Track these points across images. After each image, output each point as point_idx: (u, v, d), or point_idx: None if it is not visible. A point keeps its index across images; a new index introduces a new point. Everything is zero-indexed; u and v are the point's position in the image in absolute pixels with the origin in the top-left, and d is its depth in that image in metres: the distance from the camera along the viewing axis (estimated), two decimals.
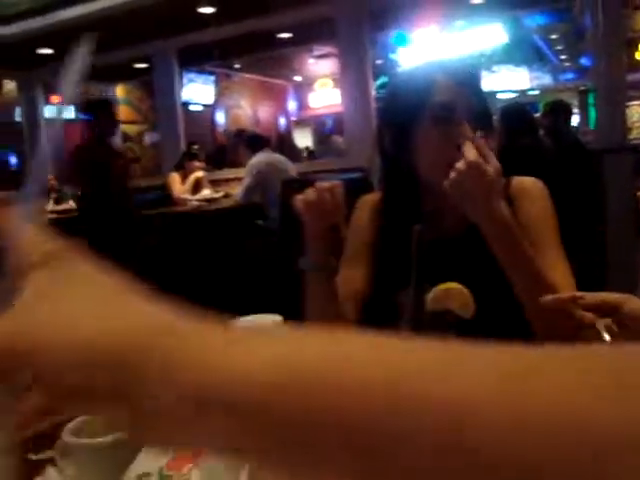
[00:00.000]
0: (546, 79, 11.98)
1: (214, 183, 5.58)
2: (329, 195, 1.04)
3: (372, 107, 5.33)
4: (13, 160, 8.79)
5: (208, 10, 5.44)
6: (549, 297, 0.87)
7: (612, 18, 4.30)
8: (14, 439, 0.31)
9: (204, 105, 10.24)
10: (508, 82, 11.39)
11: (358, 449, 0.23)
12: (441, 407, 0.22)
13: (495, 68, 11.05)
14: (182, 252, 3.77)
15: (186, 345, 0.26)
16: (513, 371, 0.23)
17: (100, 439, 0.70)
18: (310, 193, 1.05)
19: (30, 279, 0.30)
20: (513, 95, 11.41)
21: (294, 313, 0.98)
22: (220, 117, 11.09)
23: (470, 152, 1.00)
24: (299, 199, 1.07)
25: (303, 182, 4.08)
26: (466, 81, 1.16)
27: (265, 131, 8.18)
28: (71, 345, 0.27)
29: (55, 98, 7.44)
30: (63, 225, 4.77)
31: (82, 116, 10.18)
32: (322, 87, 12.14)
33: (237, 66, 10.51)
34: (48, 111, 7.72)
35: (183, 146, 6.23)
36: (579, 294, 0.88)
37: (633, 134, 6.54)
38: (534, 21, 9.69)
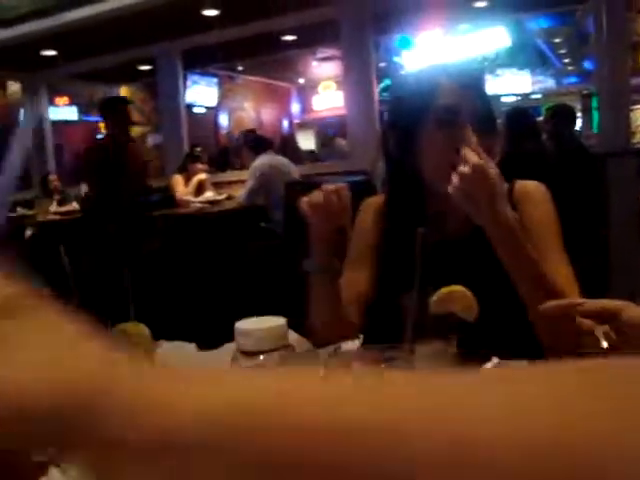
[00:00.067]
0: (549, 83, 11.97)
1: (217, 185, 5.58)
2: (335, 197, 1.04)
3: (375, 110, 5.33)
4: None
5: (212, 12, 5.45)
6: (548, 304, 0.88)
7: (616, 21, 4.30)
8: None
9: (207, 107, 10.25)
10: (511, 86, 11.38)
11: None
12: (379, 435, 0.23)
13: (498, 72, 11.04)
14: (185, 254, 3.77)
15: (147, 389, 0.26)
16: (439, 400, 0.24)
17: None
18: (316, 195, 1.06)
19: None
20: (516, 99, 11.40)
21: (297, 315, 0.98)
22: (223, 119, 11.11)
23: (472, 155, 1.01)
24: (305, 201, 1.07)
25: (306, 184, 4.08)
26: (470, 84, 1.16)
27: (268, 133, 8.18)
28: (25, 393, 0.26)
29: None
30: (66, 226, 4.77)
31: (85, 118, 10.17)
32: (325, 90, 12.15)
33: (241, 68, 10.53)
34: (52, 113, 7.74)
35: (186, 148, 6.24)
36: (578, 301, 0.89)
37: (636, 138, 6.53)
38: (537, 24, 9.68)
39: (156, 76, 6.55)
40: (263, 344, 0.75)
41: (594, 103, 8.46)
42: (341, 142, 7.54)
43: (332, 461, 0.23)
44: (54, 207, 5.67)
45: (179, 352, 1.12)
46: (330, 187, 1.05)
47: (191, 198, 5.10)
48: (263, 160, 4.63)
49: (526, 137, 3.70)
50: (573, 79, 11.95)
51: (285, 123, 12.59)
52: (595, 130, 7.28)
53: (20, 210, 5.85)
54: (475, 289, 0.90)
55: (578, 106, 9.98)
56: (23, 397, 0.26)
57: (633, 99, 5.49)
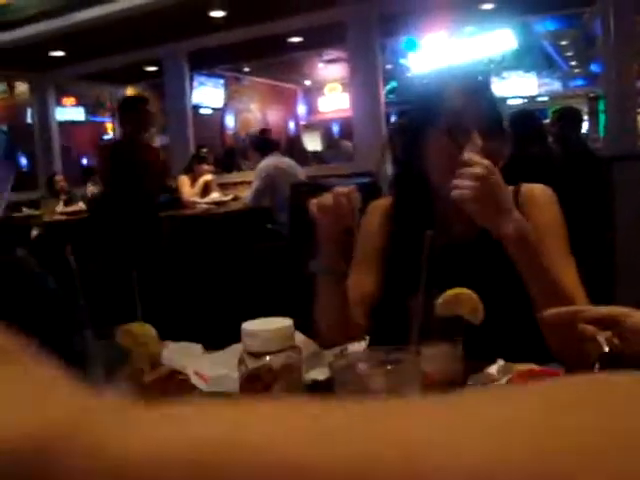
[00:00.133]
0: (555, 85, 11.94)
1: (223, 186, 5.60)
2: (345, 200, 1.04)
3: (381, 112, 5.34)
4: (24, 162, 8.85)
5: (219, 14, 5.46)
6: (550, 311, 0.89)
7: (624, 24, 4.29)
8: None
9: (214, 108, 10.27)
10: (517, 88, 11.36)
11: None
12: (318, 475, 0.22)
13: (505, 74, 11.02)
14: (190, 255, 3.78)
15: (112, 432, 0.26)
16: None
17: None
18: (326, 197, 1.06)
19: None
20: (522, 101, 11.39)
21: (303, 316, 0.98)
22: (230, 120, 11.13)
23: (474, 156, 1.01)
24: (314, 203, 1.07)
25: (312, 186, 4.09)
26: (477, 88, 1.17)
27: (274, 135, 8.19)
28: None
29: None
30: (72, 227, 4.79)
31: (92, 118, 10.19)
32: (331, 91, 12.16)
33: (247, 70, 10.55)
34: (59, 113, 7.77)
35: (192, 149, 6.25)
36: (581, 308, 0.89)
37: None
38: (544, 27, 9.67)
39: (163, 77, 6.56)
40: (270, 345, 0.75)
41: (601, 106, 8.44)
42: (347, 144, 7.55)
43: None
44: (60, 207, 5.69)
45: (185, 352, 1.12)
46: (340, 190, 1.05)
47: (197, 199, 5.11)
48: (269, 161, 4.64)
49: (532, 140, 3.69)
50: (580, 82, 11.92)
51: (291, 124, 12.61)
52: (601, 133, 7.26)
53: (26, 210, 5.87)
54: (481, 292, 0.90)
55: (585, 109, 9.95)
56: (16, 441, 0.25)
57: None
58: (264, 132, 6.70)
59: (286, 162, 4.77)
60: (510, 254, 1.04)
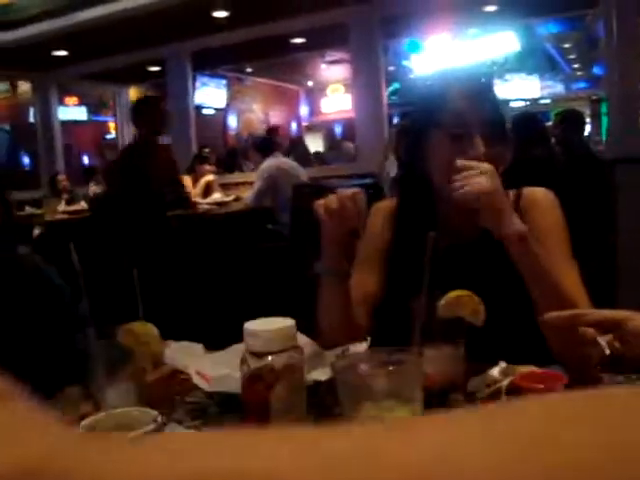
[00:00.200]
0: (558, 88, 11.95)
1: (225, 187, 5.60)
2: (351, 202, 1.04)
3: (384, 113, 5.34)
4: (26, 161, 8.87)
5: (222, 14, 5.47)
6: (551, 314, 0.89)
7: (626, 26, 4.29)
8: None
9: (216, 109, 10.28)
10: (520, 91, 11.37)
11: None
12: None
13: (507, 76, 11.03)
14: (192, 255, 3.78)
15: (85, 464, 0.25)
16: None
17: None
18: (332, 199, 1.06)
19: None
20: (524, 104, 11.39)
21: (304, 316, 0.98)
22: (232, 121, 11.14)
23: (474, 163, 1.02)
24: (320, 204, 1.07)
25: (314, 187, 4.09)
26: (480, 90, 1.17)
27: (276, 135, 8.20)
28: None
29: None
30: (74, 226, 4.80)
31: (94, 118, 10.19)
32: (334, 92, 12.17)
33: (250, 70, 10.56)
34: (61, 113, 7.78)
35: (194, 149, 6.26)
36: (582, 311, 0.90)
37: None
38: (547, 29, 9.68)
39: (165, 77, 6.57)
40: (272, 345, 0.75)
41: (603, 108, 8.44)
42: (349, 145, 7.56)
43: None
44: (62, 206, 5.70)
45: (187, 352, 1.13)
46: (346, 192, 1.05)
47: (199, 199, 5.12)
48: (271, 162, 4.64)
49: (535, 142, 3.69)
50: (582, 84, 11.92)
51: (293, 125, 12.62)
52: (604, 136, 7.26)
53: (28, 209, 5.88)
54: (483, 294, 0.90)
55: (587, 111, 9.95)
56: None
57: None
58: (271, 131, 6.70)
59: (288, 163, 4.78)
60: (512, 255, 1.04)
